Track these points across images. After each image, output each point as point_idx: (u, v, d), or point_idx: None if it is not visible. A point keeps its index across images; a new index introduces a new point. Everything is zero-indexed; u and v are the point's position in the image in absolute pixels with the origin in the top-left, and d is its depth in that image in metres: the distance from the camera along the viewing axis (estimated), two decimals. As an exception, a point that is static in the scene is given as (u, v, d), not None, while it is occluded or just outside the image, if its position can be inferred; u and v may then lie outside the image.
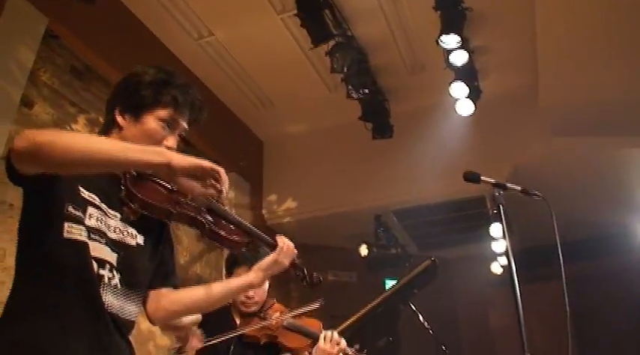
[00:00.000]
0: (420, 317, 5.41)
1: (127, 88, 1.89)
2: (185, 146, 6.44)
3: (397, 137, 6.75)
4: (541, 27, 5.37)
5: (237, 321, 3.11)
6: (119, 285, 1.74)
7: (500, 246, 7.44)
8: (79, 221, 1.67)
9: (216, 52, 6.39)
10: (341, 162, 7.31)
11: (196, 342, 2.77)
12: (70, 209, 1.66)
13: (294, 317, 3.10)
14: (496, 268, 8.13)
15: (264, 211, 7.60)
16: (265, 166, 7.85)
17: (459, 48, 5.49)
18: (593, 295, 8.06)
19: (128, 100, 1.86)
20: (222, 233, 1.92)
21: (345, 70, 5.73)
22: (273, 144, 7.96)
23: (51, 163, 1.51)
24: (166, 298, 1.95)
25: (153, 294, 1.93)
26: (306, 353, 3.07)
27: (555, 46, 5.55)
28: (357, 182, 7.12)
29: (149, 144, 1.79)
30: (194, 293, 2.02)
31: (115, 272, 1.74)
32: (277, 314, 3.10)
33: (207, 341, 2.82)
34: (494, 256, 8.02)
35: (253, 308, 3.10)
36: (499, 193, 2.52)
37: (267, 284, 3.07)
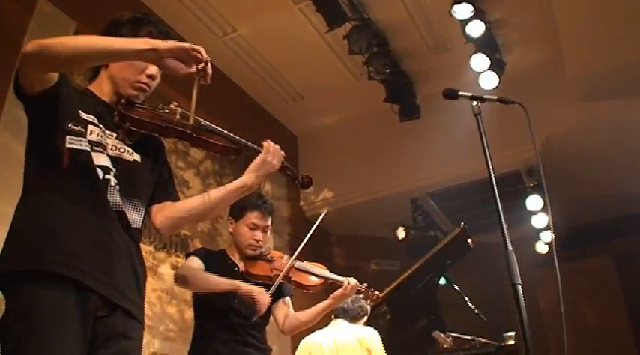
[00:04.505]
0: (458, 289, 5.44)
1: (108, 31, 2.05)
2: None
3: (425, 118, 6.85)
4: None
5: (240, 265, 3.24)
6: (121, 193, 1.92)
7: (540, 220, 7.37)
8: (80, 134, 1.86)
9: (241, 49, 6.61)
10: (373, 148, 7.42)
11: None
12: (70, 125, 1.86)
13: (300, 257, 3.30)
14: (541, 247, 8.05)
15: (301, 203, 7.75)
16: (300, 159, 7.99)
17: (473, 18, 5.54)
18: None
19: None
20: (210, 140, 2.08)
21: (364, 50, 5.86)
22: (306, 138, 8.13)
23: (59, 60, 1.74)
24: (169, 209, 2.11)
25: (156, 207, 2.10)
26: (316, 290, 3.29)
27: (572, 14, 5.55)
28: (390, 166, 7.21)
29: (134, 74, 2.03)
30: (194, 200, 2.17)
31: (116, 180, 1.92)
32: (285, 258, 3.28)
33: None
34: (537, 235, 7.95)
35: (258, 252, 3.24)
36: (478, 104, 2.53)
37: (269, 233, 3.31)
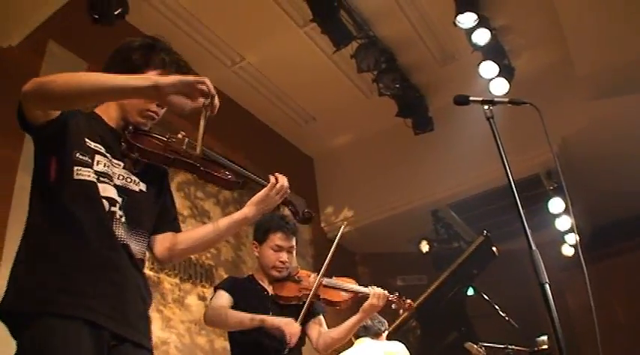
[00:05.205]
0: (487, 298, 5.40)
1: (119, 55, 2.06)
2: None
3: (439, 129, 6.85)
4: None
5: (269, 288, 3.23)
6: (126, 224, 1.92)
7: (564, 223, 7.30)
8: (87, 165, 1.85)
9: (251, 76, 6.69)
10: (389, 163, 7.44)
11: None
12: (78, 155, 1.84)
13: (326, 274, 3.27)
14: (567, 250, 7.97)
15: (322, 224, 7.75)
16: (318, 180, 8.05)
17: (478, 26, 5.56)
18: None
19: (121, 65, 2.00)
20: (216, 174, 2.08)
21: (372, 67, 5.90)
22: (322, 159, 8.18)
23: (57, 99, 1.73)
24: (172, 240, 2.10)
25: (159, 238, 2.09)
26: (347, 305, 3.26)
27: (576, 12, 5.55)
28: (408, 180, 7.22)
29: (144, 102, 2.02)
30: (205, 228, 2.19)
31: (122, 211, 1.91)
32: (312, 276, 3.26)
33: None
34: (562, 238, 7.87)
35: (284, 273, 3.22)
36: (489, 108, 2.52)
37: (294, 254, 3.28)
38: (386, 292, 3.24)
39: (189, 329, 5.49)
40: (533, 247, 2.17)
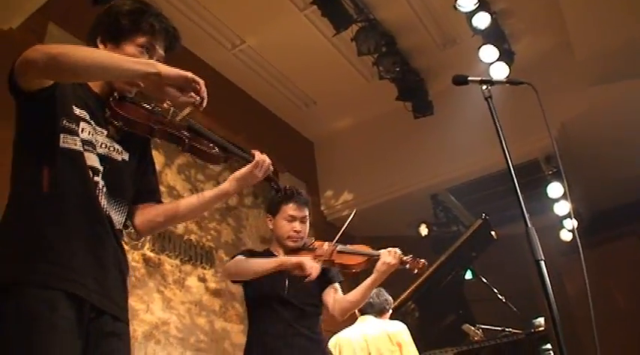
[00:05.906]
0: (486, 281, 5.45)
1: (107, 18, 2.02)
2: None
3: (439, 113, 6.87)
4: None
5: None
6: (107, 194, 1.91)
7: (563, 207, 7.33)
8: (74, 132, 1.84)
9: (251, 59, 6.69)
10: (389, 147, 7.46)
11: None
12: (65, 122, 1.83)
13: (341, 240, 3.29)
14: (565, 235, 8.01)
15: (322, 207, 7.79)
16: (318, 164, 8.08)
17: (478, 9, 5.56)
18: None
19: (109, 30, 1.99)
20: (201, 147, 2.06)
21: (372, 50, 5.90)
22: (322, 143, 8.21)
23: (66, 73, 1.72)
24: (153, 211, 2.10)
25: (139, 208, 2.09)
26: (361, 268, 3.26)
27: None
28: (408, 164, 7.24)
29: None
30: (190, 199, 2.19)
31: (103, 181, 1.90)
32: (327, 244, 3.27)
33: None
34: (560, 223, 7.90)
35: (299, 243, 3.27)
36: (487, 88, 2.52)
37: (307, 224, 3.32)
38: (398, 250, 3.23)
39: (190, 310, 5.55)
40: (529, 224, 2.19)
